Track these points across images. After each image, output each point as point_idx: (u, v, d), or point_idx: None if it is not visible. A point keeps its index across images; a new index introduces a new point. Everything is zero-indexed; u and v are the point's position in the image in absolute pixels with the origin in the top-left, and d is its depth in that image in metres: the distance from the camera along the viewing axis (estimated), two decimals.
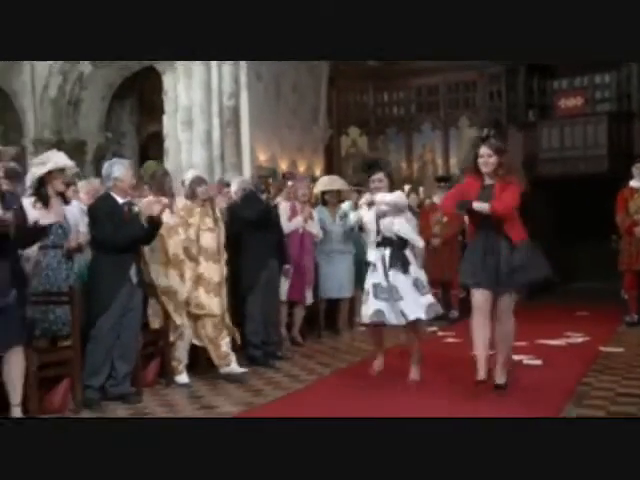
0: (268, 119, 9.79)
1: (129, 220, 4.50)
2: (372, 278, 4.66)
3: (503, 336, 4.38)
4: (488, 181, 4.32)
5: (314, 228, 6.56)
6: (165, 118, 9.32)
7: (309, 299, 6.53)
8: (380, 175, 4.65)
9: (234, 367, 5.01)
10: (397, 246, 4.62)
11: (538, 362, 5.33)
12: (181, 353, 4.94)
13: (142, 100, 12.03)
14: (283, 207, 6.29)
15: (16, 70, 11.85)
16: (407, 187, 8.09)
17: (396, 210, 4.62)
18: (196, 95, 9.02)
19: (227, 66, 9.07)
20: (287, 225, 6.26)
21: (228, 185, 6.76)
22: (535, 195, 8.38)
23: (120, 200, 4.54)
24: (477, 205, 4.28)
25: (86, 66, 11.88)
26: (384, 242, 4.61)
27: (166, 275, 4.98)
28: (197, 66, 9.05)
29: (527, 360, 5.37)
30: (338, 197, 7.13)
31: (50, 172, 4.36)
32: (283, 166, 10.38)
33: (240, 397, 4.58)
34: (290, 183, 6.79)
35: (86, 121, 11.51)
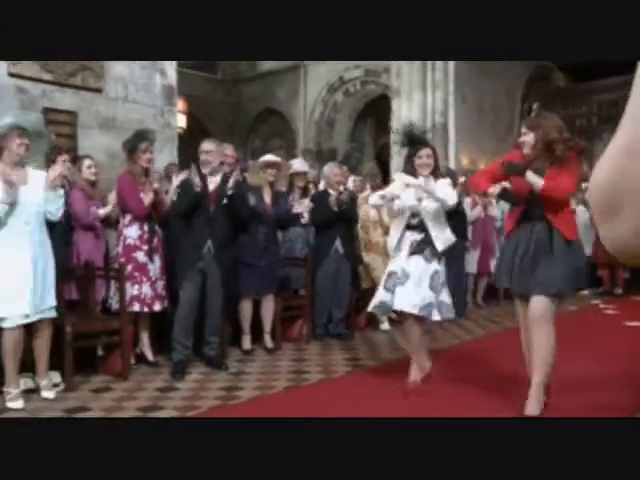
0: (470, 132, 10.79)
1: (339, 205, 5.09)
2: (391, 265, 3.81)
3: (536, 351, 3.23)
4: (537, 165, 3.25)
5: (493, 212, 7.29)
6: (392, 132, 10.77)
7: (492, 269, 6.69)
8: (429, 151, 3.80)
9: None
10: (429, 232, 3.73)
11: None
12: None
13: (378, 119, 13.62)
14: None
15: (293, 101, 15.14)
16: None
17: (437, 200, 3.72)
18: (414, 114, 10.36)
19: (439, 92, 10.21)
20: (470, 213, 6.98)
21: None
22: None
23: (331, 192, 5.19)
24: (530, 175, 3.20)
25: (339, 96, 15.09)
26: (419, 226, 3.74)
27: (367, 254, 5.77)
28: (416, 93, 10.31)
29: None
30: None
31: (292, 174, 5.34)
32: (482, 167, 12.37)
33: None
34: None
35: (338, 136, 13.81)
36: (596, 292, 8.49)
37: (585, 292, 8.49)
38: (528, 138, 3.27)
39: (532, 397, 3.19)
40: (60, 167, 3.63)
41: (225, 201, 4.20)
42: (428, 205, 3.71)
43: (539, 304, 3.18)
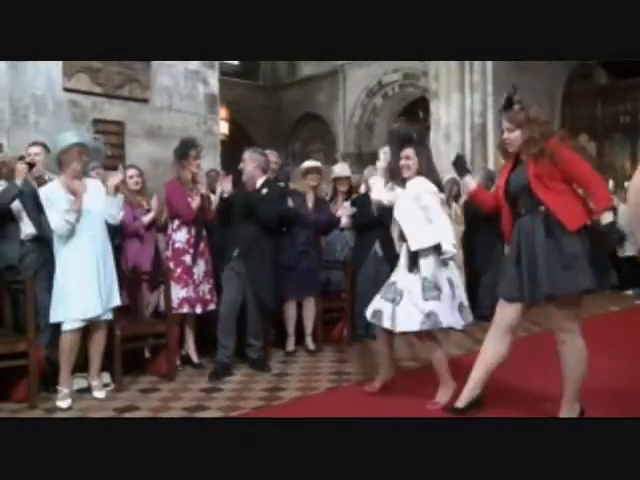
0: None
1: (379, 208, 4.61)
2: (392, 276, 3.57)
3: (566, 362, 2.91)
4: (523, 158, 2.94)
5: None
6: (431, 134, 10.58)
7: None
8: (407, 151, 3.46)
9: None
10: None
11: None
12: None
13: (417, 122, 14.89)
14: None
15: (333, 106, 15.00)
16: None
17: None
18: (453, 115, 10.43)
19: (477, 94, 10.14)
20: None
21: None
22: None
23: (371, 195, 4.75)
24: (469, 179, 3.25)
25: (378, 99, 15.10)
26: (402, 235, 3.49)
27: None
28: (455, 95, 10.28)
29: None
30: None
31: (335, 178, 5.41)
32: None
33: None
34: None
35: (377, 139, 13.71)
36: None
37: (629, 292, 8.31)
38: (513, 136, 2.97)
39: (563, 406, 2.97)
40: (120, 175, 3.80)
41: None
42: (397, 207, 3.51)
43: (561, 309, 2.88)
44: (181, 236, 4.40)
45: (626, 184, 7.73)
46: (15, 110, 5.35)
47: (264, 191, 4.33)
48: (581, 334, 2.91)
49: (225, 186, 4.31)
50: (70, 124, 5.39)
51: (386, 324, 3.45)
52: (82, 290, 3.53)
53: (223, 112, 10.25)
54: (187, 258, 4.38)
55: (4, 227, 3.87)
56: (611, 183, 8.31)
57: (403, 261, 3.49)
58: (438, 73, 10.56)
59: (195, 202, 4.37)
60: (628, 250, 8.04)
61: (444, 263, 3.43)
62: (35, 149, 4.16)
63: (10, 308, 3.83)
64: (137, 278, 4.31)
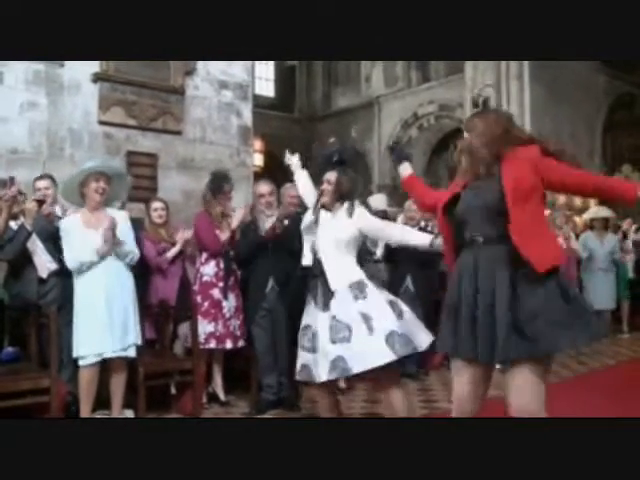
0: None
1: None
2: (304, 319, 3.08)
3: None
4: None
5: (574, 245, 7.08)
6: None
7: None
8: (329, 175, 3.07)
9: None
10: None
11: None
12: None
13: (453, 153, 14.74)
14: None
15: (368, 137, 15.47)
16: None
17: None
18: None
19: None
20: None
21: None
22: None
23: None
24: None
25: (414, 131, 15.04)
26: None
27: None
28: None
29: None
30: (604, 224, 7.72)
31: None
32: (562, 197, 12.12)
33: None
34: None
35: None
36: None
37: None
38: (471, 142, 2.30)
39: None
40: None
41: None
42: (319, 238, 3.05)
43: (524, 372, 2.12)
44: (209, 269, 4.28)
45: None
46: (52, 143, 5.40)
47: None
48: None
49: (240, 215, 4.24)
50: (104, 156, 5.37)
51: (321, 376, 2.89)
52: (92, 326, 3.43)
53: (258, 144, 10.24)
54: (215, 292, 4.24)
55: (20, 266, 3.82)
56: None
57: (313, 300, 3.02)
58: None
59: (224, 235, 4.25)
60: None
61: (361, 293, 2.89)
62: (44, 183, 4.08)
63: (35, 342, 3.73)
64: (163, 312, 4.18)
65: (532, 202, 2.14)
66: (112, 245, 3.44)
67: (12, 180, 3.47)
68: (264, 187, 4.17)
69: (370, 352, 2.76)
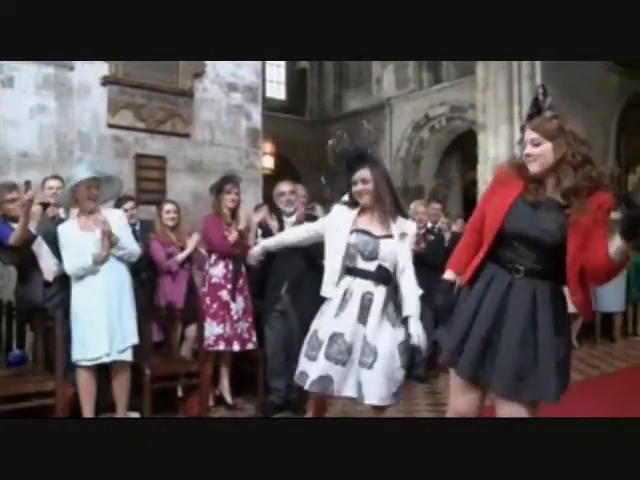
0: None
1: (418, 246, 4.70)
2: (331, 324, 2.68)
3: None
4: (541, 194, 2.05)
5: None
6: (479, 167, 10.51)
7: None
8: (364, 174, 2.77)
9: None
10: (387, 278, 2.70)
11: None
12: None
13: (464, 155, 13.34)
14: None
15: (379, 139, 15.31)
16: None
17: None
18: (501, 148, 10.06)
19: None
20: None
21: None
22: None
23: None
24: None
25: (425, 132, 14.97)
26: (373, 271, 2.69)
27: None
28: (503, 127, 9.98)
29: None
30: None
31: None
32: None
33: None
34: None
35: (424, 172, 13.58)
36: None
37: None
38: (540, 150, 2.04)
39: None
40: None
41: None
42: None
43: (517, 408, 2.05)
44: (218, 271, 4.26)
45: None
46: (61, 147, 5.42)
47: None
48: None
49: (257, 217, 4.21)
50: (112, 159, 5.38)
51: (347, 391, 2.74)
52: (87, 330, 3.42)
53: (268, 146, 10.23)
54: (224, 294, 4.22)
55: (25, 270, 3.82)
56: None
57: (356, 307, 2.70)
58: (486, 105, 10.33)
59: (232, 236, 4.22)
60: None
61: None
62: (56, 182, 4.12)
63: (42, 344, 3.72)
64: (170, 315, 4.16)
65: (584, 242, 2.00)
66: (108, 250, 3.44)
67: (28, 184, 3.44)
68: (285, 186, 4.17)
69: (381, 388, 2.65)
